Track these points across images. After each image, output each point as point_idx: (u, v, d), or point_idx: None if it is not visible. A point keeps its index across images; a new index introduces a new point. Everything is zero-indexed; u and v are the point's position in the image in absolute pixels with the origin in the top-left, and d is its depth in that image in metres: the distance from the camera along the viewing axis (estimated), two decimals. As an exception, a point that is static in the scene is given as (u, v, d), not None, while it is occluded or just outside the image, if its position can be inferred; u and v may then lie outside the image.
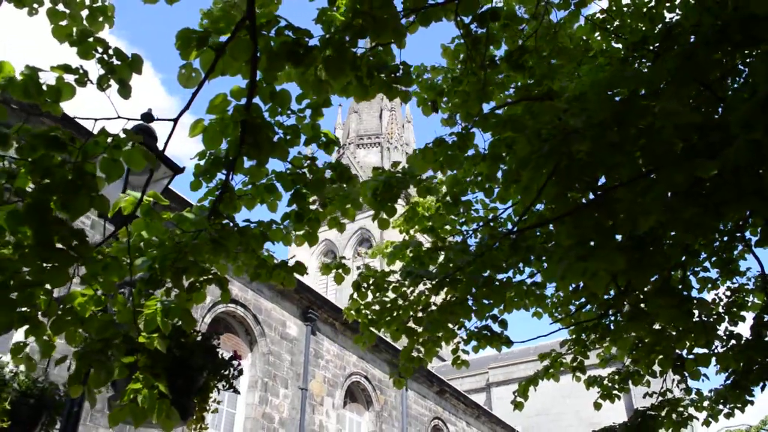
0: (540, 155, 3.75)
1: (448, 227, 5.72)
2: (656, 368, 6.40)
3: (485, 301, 4.53)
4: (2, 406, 4.11)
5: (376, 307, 4.59)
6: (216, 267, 3.34)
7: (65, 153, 2.42)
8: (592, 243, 3.79)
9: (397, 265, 5.60)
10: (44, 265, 2.49)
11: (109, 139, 2.49)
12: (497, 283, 4.17)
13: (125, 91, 2.47)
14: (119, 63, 2.43)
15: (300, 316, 15.01)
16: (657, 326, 4.87)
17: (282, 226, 3.67)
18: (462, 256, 4.32)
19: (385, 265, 5.72)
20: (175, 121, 2.59)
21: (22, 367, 4.46)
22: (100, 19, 3.40)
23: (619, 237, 3.91)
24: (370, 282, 4.53)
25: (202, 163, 3.22)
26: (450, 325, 4.72)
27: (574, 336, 6.11)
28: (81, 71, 2.34)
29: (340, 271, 4.49)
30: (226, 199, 3.35)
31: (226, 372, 3.43)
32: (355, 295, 4.57)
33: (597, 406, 6.87)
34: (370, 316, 4.67)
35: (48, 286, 2.67)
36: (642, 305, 4.68)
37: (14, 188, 2.44)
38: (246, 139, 2.97)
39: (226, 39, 2.67)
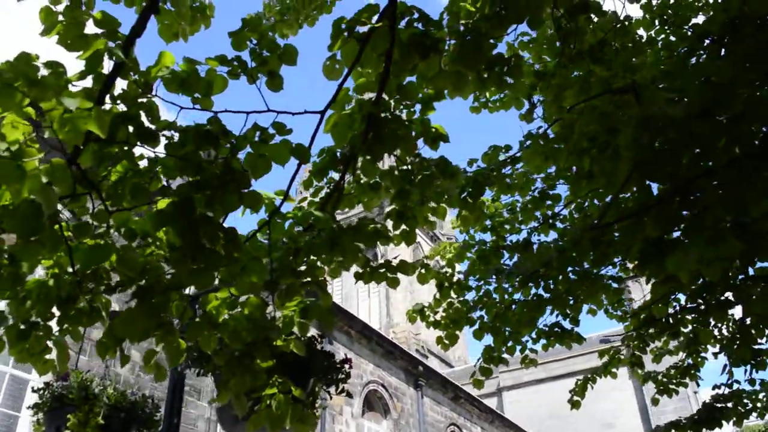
0: (638, 145, 3.70)
1: (507, 226, 5.67)
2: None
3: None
4: (96, 421, 3.99)
5: (458, 306, 4.51)
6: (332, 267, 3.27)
7: (216, 148, 2.34)
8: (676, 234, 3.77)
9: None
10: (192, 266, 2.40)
11: (257, 134, 2.41)
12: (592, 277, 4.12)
13: (275, 83, 2.39)
14: (269, 54, 2.35)
15: (314, 324, 14.87)
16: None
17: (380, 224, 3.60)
18: (550, 251, 4.26)
19: (446, 265, 5.66)
20: (322, 113, 2.51)
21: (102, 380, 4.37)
22: (197, 16, 3.33)
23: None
24: (454, 281, 4.45)
25: (318, 160, 3.14)
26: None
27: (634, 331, 6.06)
28: (235, 63, 2.26)
29: (423, 270, 4.41)
30: (334, 198, 3.28)
31: (337, 376, 3.34)
32: (438, 295, 4.50)
33: (655, 401, 6.80)
34: (448, 317, 4.60)
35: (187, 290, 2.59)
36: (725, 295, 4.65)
37: (161, 186, 2.36)
38: (370, 133, 2.90)
39: (366, 29, 2.61)
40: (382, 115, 2.92)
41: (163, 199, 2.51)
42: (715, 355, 5.74)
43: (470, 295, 5.16)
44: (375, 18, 2.56)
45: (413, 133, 3.35)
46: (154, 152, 2.30)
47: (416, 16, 2.76)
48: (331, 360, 3.31)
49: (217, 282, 2.65)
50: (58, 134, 1.64)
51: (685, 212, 3.79)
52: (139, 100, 2.13)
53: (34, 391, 4.81)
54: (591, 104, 4.10)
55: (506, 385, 28.31)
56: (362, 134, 2.90)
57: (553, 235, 5.88)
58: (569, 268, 4.39)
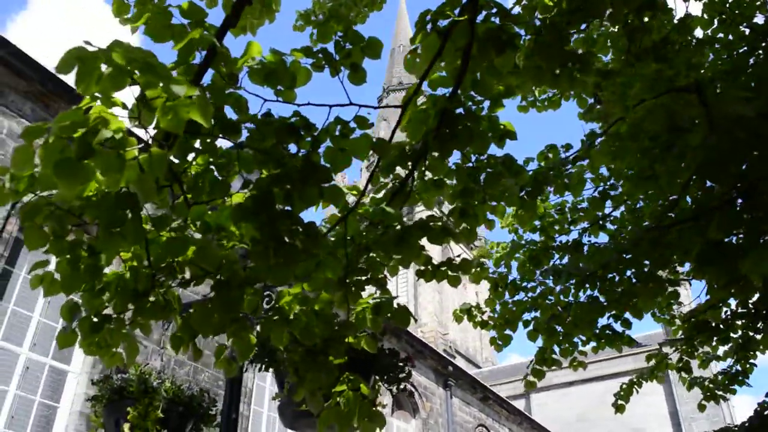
0: (706, 145, 3.61)
1: (556, 227, 5.59)
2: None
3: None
4: (155, 414, 4.00)
5: (513, 307, 4.44)
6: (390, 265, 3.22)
7: (298, 142, 2.31)
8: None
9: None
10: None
11: (338, 127, 2.37)
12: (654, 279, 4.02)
13: (357, 77, 2.36)
14: (352, 47, 2.32)
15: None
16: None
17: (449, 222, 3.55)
18: (610, 253, 4.17)
19: (492, 265, 5.59)
20: (404, 108, 2.47)
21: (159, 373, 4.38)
22: (263, 9, 3.30)
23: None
24: (509, 282, 4.39)
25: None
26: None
27: (683, 336, 5.95)
28: (320, 55, 2.23)
29: (479, 269, 4.35)
30: (404, 194, 3.24)
31: (398, 374, 3.30)
32: (491, 296, 4.43)
33: (701, 407, 6.66)
34: (501, 318, 4.53)
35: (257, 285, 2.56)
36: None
37: (245, 180, 2.33)
38: (443, 129, 2.85)
39: (446, 23, 2.56)
40: (456, 111, 2.87)
41: (239, 192, 2.50)
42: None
43: (519, 296, 5.09)
44: (456, 12, 2.50)
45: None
46: (235, 144, 2.28)
47: (494, 10, 2.70)
48: (394, 357, 3.27)
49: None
50: (160, 122, 1.61)
51: (748, 215, 3.69)
52: (226, 92, 2.10)
53: (93, 383, 4.84)
54: (655, 103, 4.01)
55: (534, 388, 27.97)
56: (435, 130, 2.85)
57: (603, 236, 5.78)
58: (628, 271, 4.30)
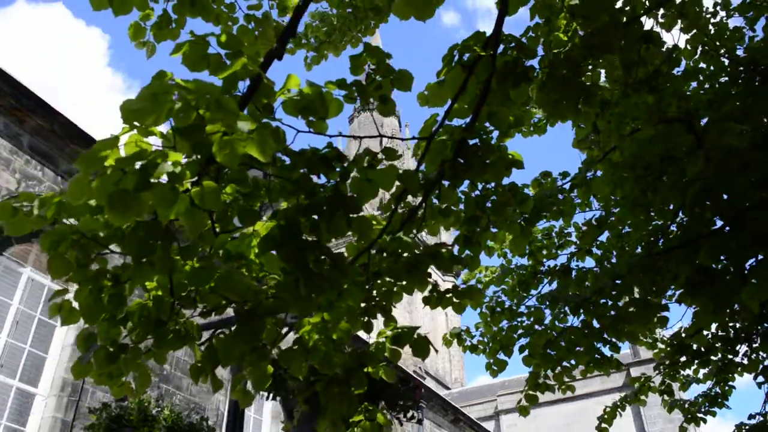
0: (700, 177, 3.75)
1: (544, 251, 5.67)
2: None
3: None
4: (157, 442, 3.93)
5: (506, 333, 4.48)
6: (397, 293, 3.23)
7: (328, 173, 2.32)
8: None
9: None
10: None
11: (366, 158, 2.39)
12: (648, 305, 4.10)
13: (386, 108, 2.37)
14: (381, 78, 2.34)
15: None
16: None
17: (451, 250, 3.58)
18: (604, 278, 4.25)
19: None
20: (429, 140, 2.50)
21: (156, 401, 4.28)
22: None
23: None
24: (505, 307, 4.43)
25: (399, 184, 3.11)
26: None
27: (667, 360, 6.06)
28: (354, 87, 2.25)
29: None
30: (409, 223, 3.26)
31: (406, 402, 3.30)
32: (488, 320, 4.47)
33: (683, 430, 6.75)
34: (496, 343, 4.57)
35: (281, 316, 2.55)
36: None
37: (275, 210, 2.33)
38: (458, 159, 2.89)
39: (467, 56, 2.60)
40: (471, 142, 2.91)
41: (263, 222, 2.49)
42: (760, 385, 5.74)
43: (503, 322, 5.14)
44: (480, 46, 2.55)
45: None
46: (266, 174, 2.28)
47: (512, 44, 2.76)
48: (405, 386, 3.27)
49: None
50: (216, 156, 1.61)
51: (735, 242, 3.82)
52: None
53: (90, 411, 4.72)
54: (647, 133, 4.12)
55: (504, 409, 28.10)
56: (451, 160, 2.89)
57: (589, 261, 5.86)
58: (621, 296, 4.38)
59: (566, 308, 4.53)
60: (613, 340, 5.18)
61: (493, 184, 3.41)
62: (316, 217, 2.35)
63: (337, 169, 2.35)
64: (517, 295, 5.17)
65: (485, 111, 2.93)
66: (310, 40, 5.58)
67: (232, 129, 1.49)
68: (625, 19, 3.16)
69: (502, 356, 4.54)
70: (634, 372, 19.45)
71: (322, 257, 2.34)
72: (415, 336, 2.70)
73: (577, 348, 4.61)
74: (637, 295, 4.46)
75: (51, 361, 10.12)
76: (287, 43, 2.16)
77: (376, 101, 2.38)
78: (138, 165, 1.55)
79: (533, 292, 5.37)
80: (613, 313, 4.43)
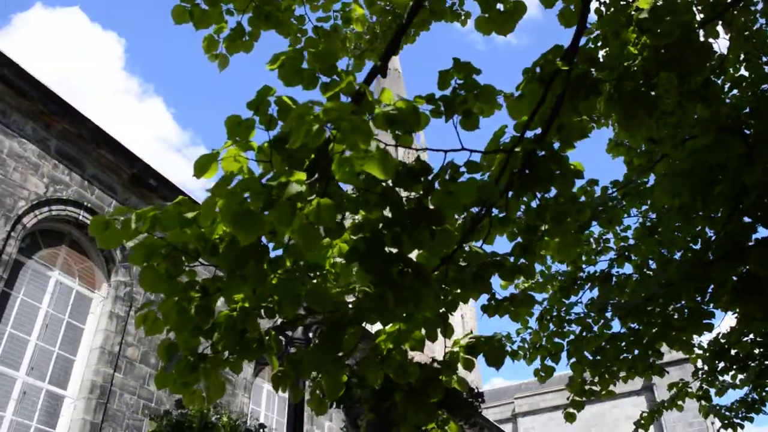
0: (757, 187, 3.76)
1: (583, 257, 5.68)
2: None
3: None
4: (217, 449, 3.97)
5: (557, 340, 4.50)
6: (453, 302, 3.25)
7: (413, 186, 2.34)
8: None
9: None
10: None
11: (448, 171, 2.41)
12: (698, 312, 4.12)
13: (470, 122, 2.40)
14: (465, 93, 2.36)
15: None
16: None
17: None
18: (655, 286, 4.25)
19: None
20: (509, 152, 2.52)
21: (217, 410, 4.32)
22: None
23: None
24: (553, 315, 4.45)
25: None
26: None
27: (705, 365, 6.05)
28: (441, 102, 2.27)
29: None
30: (473, 233, 3.28)
31: (470, 410, 3.32)
32: (536, 327, 4.49)
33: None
34: (545, 350, 4.58)
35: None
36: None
37: (358, 222, 2.35)
38: (524, 171, 2.91)
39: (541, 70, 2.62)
40: (540, 153, 2.94)
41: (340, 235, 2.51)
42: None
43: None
44: (558, 60, 2.57)
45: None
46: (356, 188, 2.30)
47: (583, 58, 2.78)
48: (469, 395, 3.30)
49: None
50: (335, 174, 1.64)
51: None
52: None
53: (151, 419, 4.75)
54: (702, 141, 4.13)
55: (521, 411, 28.03)
56: (519, 171, 2.92)
57: (628, 267, 5.87)
58: (670, 303, 4.39)
59: (610, 315, 4.54)
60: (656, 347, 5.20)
61: (551, 194, 3.44)
62: (398, 229, 2.38)
63: (420, 182, 2.38)
64: (558, 302, 5.18)
65: (556, 123, 2.96)
66: (352, 48, 5.62)
67: (356, 148, 1.52)
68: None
69: (549, 362, 4.55)
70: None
71: (406, 269, 2.37)
72: (490, 345, 2.71)
73: (624, 355, 4.61)
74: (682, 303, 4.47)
75: (79, 363, 10.20)
76: (389, 59, 2.19)
77: (460, 115, 2.40)
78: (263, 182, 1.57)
79: (573, 298, 5.37)
80: (659, 321, 4.43)
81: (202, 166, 1.99)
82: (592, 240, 5.78)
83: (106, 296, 10.73)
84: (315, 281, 2.38)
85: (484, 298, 3.84)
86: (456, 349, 2.71)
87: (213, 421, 4.17)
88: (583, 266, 5.74)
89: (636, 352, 4.54)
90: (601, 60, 3.19)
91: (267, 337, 2.62)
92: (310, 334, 3.33)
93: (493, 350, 2.70)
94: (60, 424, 9.76)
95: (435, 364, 2.61)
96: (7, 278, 9.35)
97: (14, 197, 9.49)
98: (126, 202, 11.25)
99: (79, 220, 10.46)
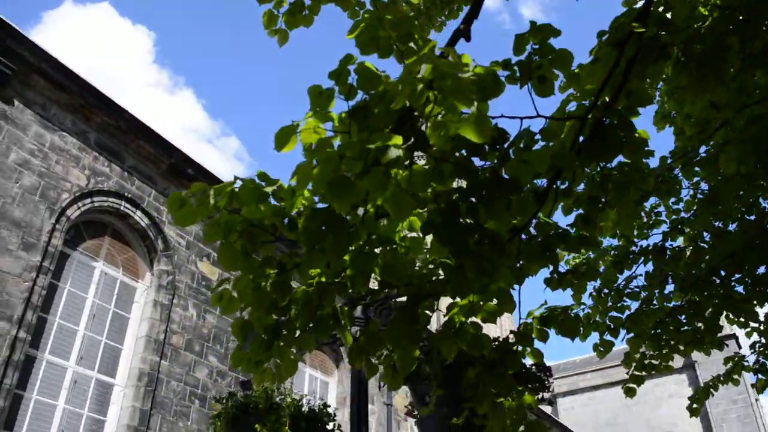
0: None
1: (635, 231, 5.58)
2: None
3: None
4: (284, 429, 3.99)
5: (615, 314, 4.43)
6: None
7: (488, 154, 2.30)
8: None
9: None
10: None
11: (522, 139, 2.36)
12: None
13: (545, 88, 2.35)
14: (540, 59, 2.31)
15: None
16: None
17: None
18: (716, 257, 4.16)
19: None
20: (584, 119, 2.47)
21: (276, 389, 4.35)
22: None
23: None
24: (612, 289, 4.38)
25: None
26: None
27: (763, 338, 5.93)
28: (515, 68, 2.22)
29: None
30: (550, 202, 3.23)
31: (537, 384, 3.29)
32: (590, 303, 4.42)
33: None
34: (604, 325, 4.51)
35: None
36: None
37: (433, 192, 2.32)
38: (592, 139, 2.84)
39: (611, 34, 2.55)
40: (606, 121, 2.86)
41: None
42: None
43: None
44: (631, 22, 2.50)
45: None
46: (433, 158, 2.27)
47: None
48: (535, 369, 3.26)
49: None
50: (429, 138, 1.60)
51: None
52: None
53: (216, 400, 4.81)
54: (758, 109, 4.01)
55: (561, 392, 27.87)
56: (588, 140, 2.85)
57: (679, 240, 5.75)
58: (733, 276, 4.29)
59: (673, 288, 4.45)
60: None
61: (613, 163, 3.36)
62: (473, 199, 2.34)
63: (495, 151, 2.34)
64: (612, 276, 5.11)
65: (624, 89, 2.88)
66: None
67: (453, 110, 1.48)
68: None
69: (608, 337, 4.48)
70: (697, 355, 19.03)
71: (483, 239, 2.33)
72: (563, 316, 2.67)
73: (684, 328, 4.53)
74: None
75: (126, 352, 10.37)
76: (472, 23, 2.15)
77: (534, 81, 2.34)
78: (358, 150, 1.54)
79: (626, 272, 5.28)
80: (721, 292, 4.34)
81: (281, 139, 1.97)
82: (643, 213, 5.68)
83: (150, 285, 10.88)
84: (392, 255, 2.35)
85: (543, 272, 3.80)
86: (530, 320, 2.66)
87: (278, 402, 4.19)
88: (635, 240, 5.65)
89: (697, 324, 4.46)
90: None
91: (340, 313, 2.61)
92: (371, 314, 3.32)
93: (569, 321, 2.65)
94: (111, 412, 9.94)
95: (511, 336, 2.57)
96: (54, 270, 9.52)
97: (57, 190, 9.64)
98: (165, 192, 11.36)
99: (121, 211, 10.60)
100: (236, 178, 2.13)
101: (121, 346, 10.39)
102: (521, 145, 2.38)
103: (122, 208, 10.58)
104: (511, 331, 2.62)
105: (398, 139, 1.58)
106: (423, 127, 2.04)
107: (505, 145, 2.32)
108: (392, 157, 1.52)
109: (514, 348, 2.61)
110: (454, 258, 2.21)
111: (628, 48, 2.51)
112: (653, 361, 4.62)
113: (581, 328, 5.13)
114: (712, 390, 6.41)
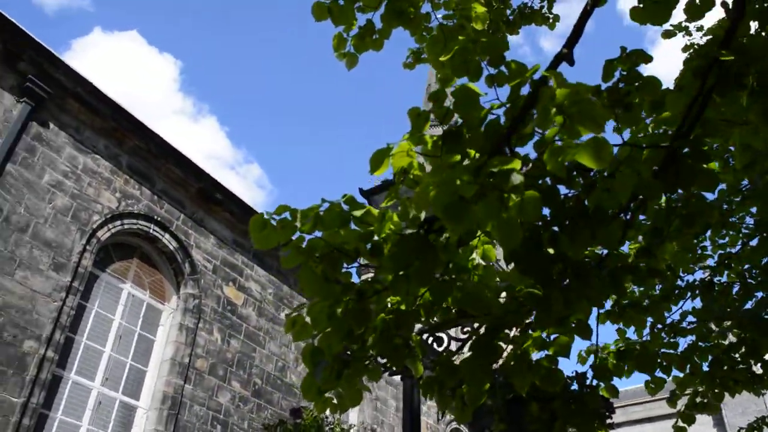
0: None
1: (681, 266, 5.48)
2: None
3: None
4: (329, 454, 3.93)
5: (666, 350, 4.32)
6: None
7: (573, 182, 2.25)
8: None
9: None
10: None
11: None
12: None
13: (630, 116, 2.31)
14: (625, 86, 2.27)
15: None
16: None
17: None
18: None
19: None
20: (669, 148, 2.42)
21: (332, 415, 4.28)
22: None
23: None
24: (665, 324, 4.28)
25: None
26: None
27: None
28: (604, 94, 2.19)
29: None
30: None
31: (603, 419, 3.19)
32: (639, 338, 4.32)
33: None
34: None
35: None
36: None
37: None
38: (665, 169, 2.78)
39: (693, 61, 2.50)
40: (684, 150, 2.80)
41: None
42: None
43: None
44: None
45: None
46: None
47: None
48: (600, 402, 3.17)
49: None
50: (547, 164, 1.56)
51: None
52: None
53: (265, 428, 4.74)
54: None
55: (617, 422, 27.34)
56: (660, 170, 2.79)
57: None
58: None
59: (728, 324, 4.34)
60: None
61: (676, 195, 3.30)
62: (555, 228, 2.29)
63: (579, 179, 2.29)
64: (664, 310, 5.00)
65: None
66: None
67: (575, 135, 1.44)
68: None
69: (659, 374, 4.36)
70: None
71: (566, 269, 2.28)
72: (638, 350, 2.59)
73: (739, 366, 4.41)
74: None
75: (150, 374, 10.32)
76: (574, 46, 2.12)
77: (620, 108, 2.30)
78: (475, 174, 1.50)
79: (673, 308, 5.18)
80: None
81: (376, 162, 1.94)
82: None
83: (176, 308, 10.85)
84: (475, 284, 2.29)
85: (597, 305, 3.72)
86: (605, 354, 2.58)
87: (325, 429, 4.13)
88: (680, 274, 5.55)
89: (752, 363, 4.34)
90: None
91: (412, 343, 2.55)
92: (433, 342, 3.26)
93: (645, 355, 2.57)
94: (133, 434, 9.87)
95: (589, 371, 2.50)
96: (83, 291, 9.52)
97: (89, 211, 9.69)
98: (193, 216, 11.39)
99: (150, 234, 10.63)
100: (323, 200, 2.10)
101: (146, 369, 10.34)
102: (605, 174, 2.33)
103: (151, 231, 10.61)
104: (590, 366, 2.54)
105: (517, 163, 1.54)
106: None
107: (591, 173, 2.27)
108: (515, 183, 1.48)
109: (591, 383, 2.53)
110: (541, 288, 2.14)
111: (710, 77, 2.46)
112: (703, 400, 4.49)
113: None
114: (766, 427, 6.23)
